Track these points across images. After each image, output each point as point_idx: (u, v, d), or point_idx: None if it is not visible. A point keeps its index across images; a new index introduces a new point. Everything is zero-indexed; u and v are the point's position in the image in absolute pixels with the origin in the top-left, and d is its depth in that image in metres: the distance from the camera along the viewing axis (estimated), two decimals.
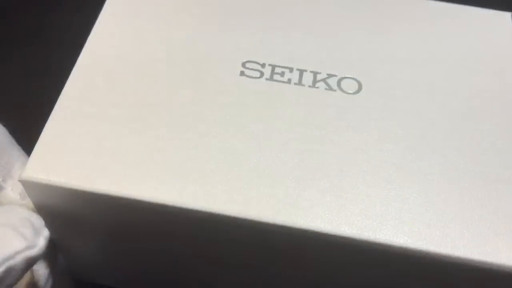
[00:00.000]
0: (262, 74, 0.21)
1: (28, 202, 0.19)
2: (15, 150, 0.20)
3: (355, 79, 0.21)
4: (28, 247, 0.17)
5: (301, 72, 0.21)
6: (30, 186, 0.18)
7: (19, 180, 0.18)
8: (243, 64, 0.21)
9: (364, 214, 0.17)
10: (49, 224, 0.19)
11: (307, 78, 0.21)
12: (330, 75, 0.21)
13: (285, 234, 0.17)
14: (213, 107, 0.20)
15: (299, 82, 0.21)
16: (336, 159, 0.19)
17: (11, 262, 0.16)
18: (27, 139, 0.20)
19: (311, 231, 0.17)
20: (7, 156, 0.19)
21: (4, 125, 0.20)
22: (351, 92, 0.21)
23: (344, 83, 0.21)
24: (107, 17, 0.22)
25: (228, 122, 0.19)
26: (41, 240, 0.18)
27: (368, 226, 0.17)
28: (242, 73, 0.21)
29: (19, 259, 0.16)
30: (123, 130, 0.19)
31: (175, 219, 0.18)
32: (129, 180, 0.18)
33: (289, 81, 0.21)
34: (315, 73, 0.21)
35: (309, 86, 0.21)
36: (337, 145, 0.19)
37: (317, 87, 0.21)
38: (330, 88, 0.21)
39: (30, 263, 0.17)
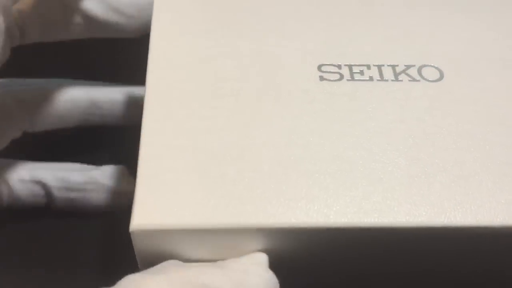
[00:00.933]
0: (341, 76, 0.20)
1: None
2: None
3: (434, 67, 0.21)
4: None
5: (379, 67, 0.21)
6: (143, 237, 0.16)
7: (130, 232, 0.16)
8: (319, 68, 0.20)
9: (495, 201, 0.17)
10: None
11: (388, 72, 0.20)
12: (408, 66, 0.21)
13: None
14: (305, 119, 0.19)
15: (382, 78, 0.20)
16: (448, 150, 0.18)
17: None
18: None
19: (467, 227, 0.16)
20: None
21: None
22: (434, 79, 0.20)
23: (425, 72, 0.21)
24: (160, 37, 0.21)
25: (328, 130, 0.18)
26: None
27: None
28: (322, 78, 0.20)
29: None
30: (221, 156, 0.18)
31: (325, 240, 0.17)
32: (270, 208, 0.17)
33: (371, 78, 0.20)
34: (393, 67, 0.21)
35: (392, 80, 0.20)
36: (441, 134, 0.18)
37: (401, 80, 0.20)
38: (413, 79, 0.20)
39: None
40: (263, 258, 0.17)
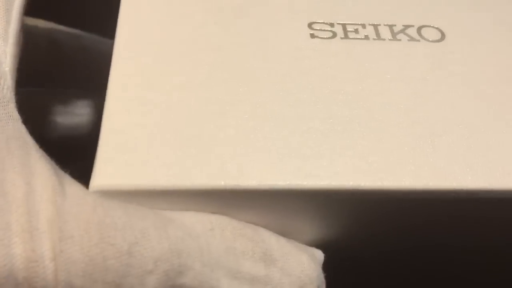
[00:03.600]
0: (334, 34, 0.18)
1: None
2: None
3: (434, 27, 0.19)
4: None
5: (375, 26, 0.19)
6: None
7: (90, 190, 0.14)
8: (310, 26, 0.18)
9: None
10: None
11: (384, 32, 0.19)
12: (406, 26, 0.19)
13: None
14: (295, 75, 0.17)
15: (378, 37, 0.18)
16: (452, 110, 0.16)
17: None
18: None
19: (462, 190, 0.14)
20: None
21: None
22: (435, 40, 0.18)
23: (425, 32, 0.19)
24: None
25: (320, 87, 0.16)
26: None
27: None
28: (312, 36, 0.18)
29: None
30: (197, 113, 0.15)
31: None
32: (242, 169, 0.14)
33: (366, 37, 0.18)
34: (390, 26, 0.19)
35: (390, 40, 0.18)
36: (445, 95, 0.17)
37: (399, 39, 0.18)
38: (412, 38, 0.18)
39: None
40: (320, 256, 0.15)
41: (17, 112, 0.13)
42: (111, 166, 0.14)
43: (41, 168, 0.12)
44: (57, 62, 0.23)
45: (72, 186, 0.13)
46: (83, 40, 0.24)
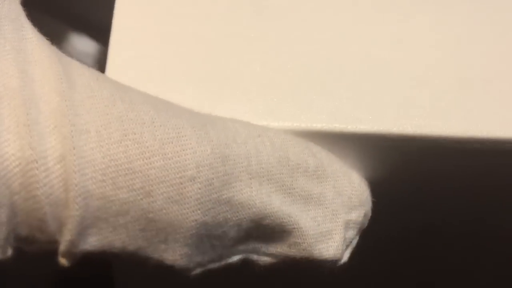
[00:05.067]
0: None
1: None
2: None
3: None
4: None
5: None
6: None
7: None
8: None
9: None
10: None
11: None
12: None
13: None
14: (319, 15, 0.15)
15: None
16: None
17: None
18: None
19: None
20: None
21: None
22: None
23: None
24: None
25: (356, 29, 0.15)
26: None
27: None
28: None
29: None
30: (218, 47, 0.13)
31: None
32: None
33: None
34: None
35: None
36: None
37: None
38: None
39: None
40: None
41: None
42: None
43: (40, 54, 0.10)
44: None
45: (84, 76, 0.10)
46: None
